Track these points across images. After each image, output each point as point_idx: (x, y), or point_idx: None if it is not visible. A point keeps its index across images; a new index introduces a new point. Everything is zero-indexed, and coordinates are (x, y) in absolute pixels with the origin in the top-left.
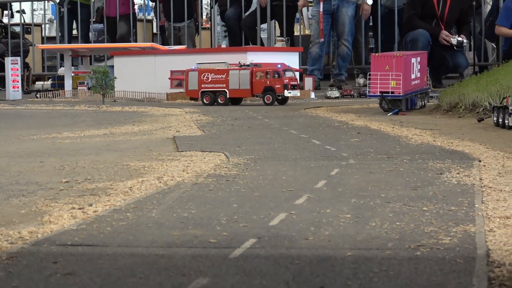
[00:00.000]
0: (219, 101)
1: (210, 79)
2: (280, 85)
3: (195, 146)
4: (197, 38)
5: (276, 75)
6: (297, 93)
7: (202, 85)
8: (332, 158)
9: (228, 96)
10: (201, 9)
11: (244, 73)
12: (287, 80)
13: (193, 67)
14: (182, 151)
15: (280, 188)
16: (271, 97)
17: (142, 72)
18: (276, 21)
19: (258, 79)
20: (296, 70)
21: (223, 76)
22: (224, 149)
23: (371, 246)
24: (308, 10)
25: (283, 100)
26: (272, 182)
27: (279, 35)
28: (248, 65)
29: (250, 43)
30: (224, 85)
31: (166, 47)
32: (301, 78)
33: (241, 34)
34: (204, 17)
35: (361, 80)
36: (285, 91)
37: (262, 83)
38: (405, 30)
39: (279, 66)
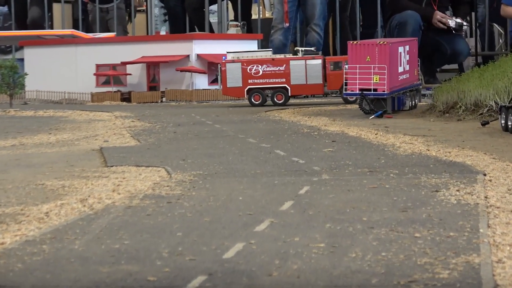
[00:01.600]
0: (276, 100)
1: (260, 73)
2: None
3: (128, 159)
4: (129, 23)
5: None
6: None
7: (250, 81)
8: (301, 172)
9: (290, 94)
10: None
11: (313, 64)
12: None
13: (225, 58)
14: (112, 166)
15: (236, 211)
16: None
17: (60, 67)
18: (229, 2)
19: (333, 70)
20: None
21: (282, 68)
22: (165, 163)
23: (351, 283)
24: None
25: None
26: (226, 204)
27: (232, 19)
28: (315, 53)
29: (197, 29)
30: (284, 80)
31: (91, 35)
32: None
33: (185, 18)
34: None
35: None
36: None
37: (339, 77)
38: (390, 12)
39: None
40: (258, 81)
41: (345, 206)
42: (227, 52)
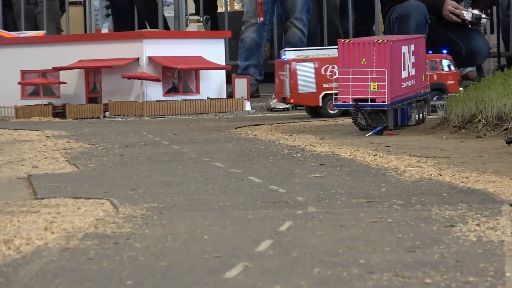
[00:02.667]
0: None
1: (337, 75)
2: (454, 80)
3: (64, 190)
4: (62, 18)
5: (447, 66)
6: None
7: (325, 85)
8: (282, 204)
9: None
10: None
11: None
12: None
13: (284, 57)
14: (43, 199)
15: (200, 253)
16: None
17: None
18: None
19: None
20: (220, 68)
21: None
22: (110, 194)
23: None
24: None
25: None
26: (187, 244)
27: (193, 12)
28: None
29: (148, 26)
30: None
31: (14, 34)
32: (228, 80)
33: (133, 12)
34: None
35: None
36: (460, 88)
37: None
38: (391, 3)
39: (444, 52)
40: (334, 85)
41: (338, 246)
42: (285, 51)
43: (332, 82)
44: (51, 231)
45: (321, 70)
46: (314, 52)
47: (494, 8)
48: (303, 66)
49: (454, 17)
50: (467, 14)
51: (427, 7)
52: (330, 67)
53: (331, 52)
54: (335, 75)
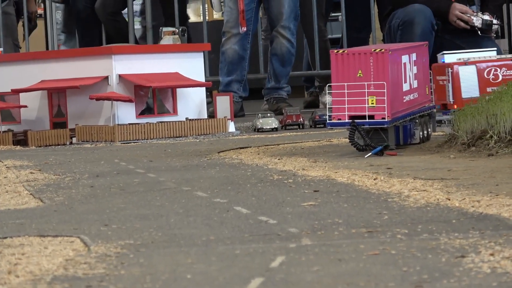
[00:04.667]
0: None
1: (500, 78)
2: None
3: (28, 227)
4: (20, 34)
5: None
6: None
7: (488, 89)
8: (272, 237)
9: None
10: None
11: None
12: None
13: (443, 60)
14: (5, 238)
15: None
16: None
17: None
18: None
19: None
20: (199, 85)
21: None
22: (80, 231)
23: None
24: None
25: None
26: (168, 285)
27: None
28: None
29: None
30: None
31: None
32: (210, 97)
33: (101, 25)
34: None
35: (327, 98)
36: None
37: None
38: (390, 7)
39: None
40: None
41: (336, 282)
42: (443, 54)
43: (496, 86)
44: (15, 275)
45: (484, 73)
46: (474, 54)
47: (504, 7)
48: (466, 70)
49: (462, 24)
50: (477, 20)
51: (432, 11)
52: (493, 70)
53: (492, 54)
54: (497, 78)
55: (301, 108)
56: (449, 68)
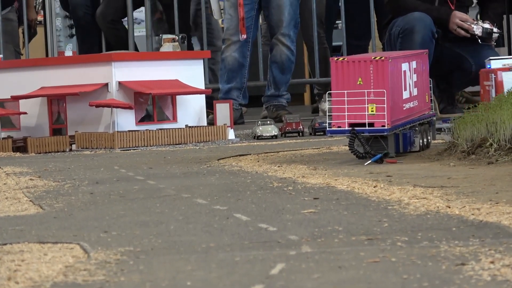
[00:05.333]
0: None
1: None
2: None
3: (28, 234)
4: (22, 40)
5: None
6: None
7: None
8: (272, 244)
9: None
10: None
11: None
12: None
13: (489, 66)
14: (5, 245)
15: None
16: None
17: None
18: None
19: None
20: (199, 92)
21: None
22: (79, 237)
23: None
24: None
25: None
26: None
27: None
28: None
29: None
30: None
31: None
32: (209, 106)
33: (100, 32)
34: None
35: (326, 105)
36: None
37: None
38: (390, 15)
39: None
40: None
41: None
42: (490, 59)
43: None
44: (15, 281)
45: None
46: None
47: (506, 18)
48: (509, 76)
49: (463, 32)
50: (477, 28)
51: (433, 19)
52: None
53: None
54: None
55: (303, 115)
56: (493, 74)
